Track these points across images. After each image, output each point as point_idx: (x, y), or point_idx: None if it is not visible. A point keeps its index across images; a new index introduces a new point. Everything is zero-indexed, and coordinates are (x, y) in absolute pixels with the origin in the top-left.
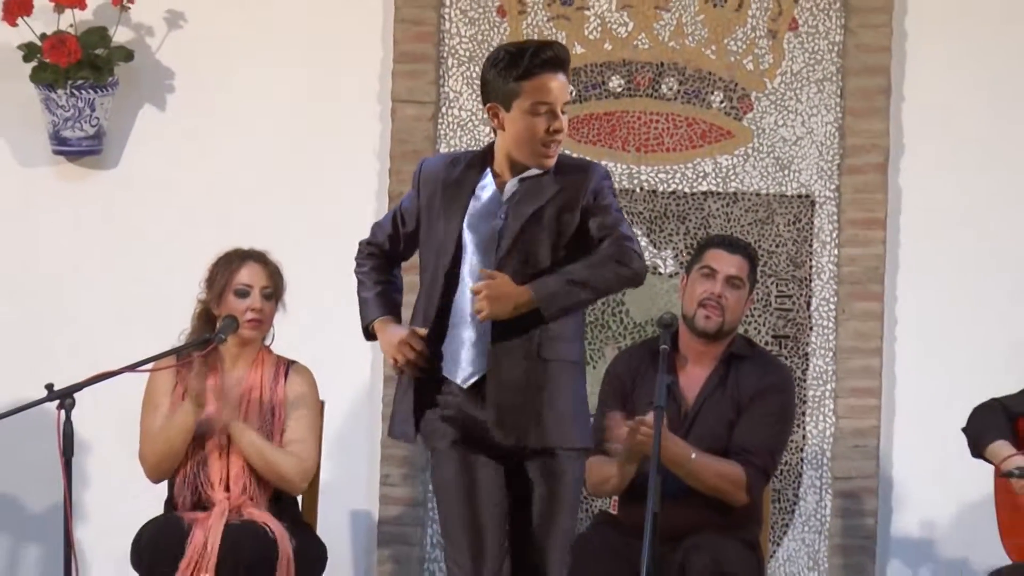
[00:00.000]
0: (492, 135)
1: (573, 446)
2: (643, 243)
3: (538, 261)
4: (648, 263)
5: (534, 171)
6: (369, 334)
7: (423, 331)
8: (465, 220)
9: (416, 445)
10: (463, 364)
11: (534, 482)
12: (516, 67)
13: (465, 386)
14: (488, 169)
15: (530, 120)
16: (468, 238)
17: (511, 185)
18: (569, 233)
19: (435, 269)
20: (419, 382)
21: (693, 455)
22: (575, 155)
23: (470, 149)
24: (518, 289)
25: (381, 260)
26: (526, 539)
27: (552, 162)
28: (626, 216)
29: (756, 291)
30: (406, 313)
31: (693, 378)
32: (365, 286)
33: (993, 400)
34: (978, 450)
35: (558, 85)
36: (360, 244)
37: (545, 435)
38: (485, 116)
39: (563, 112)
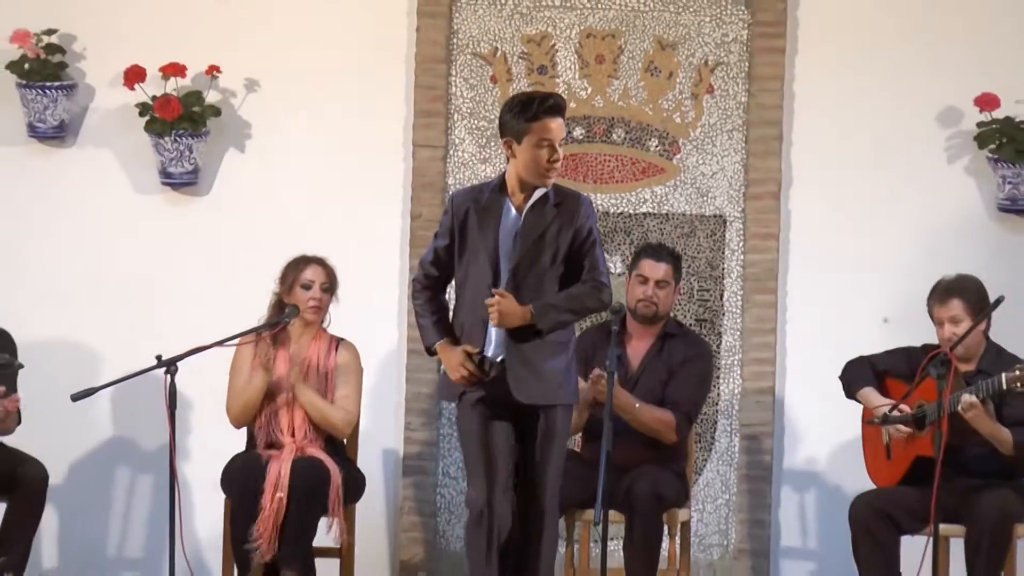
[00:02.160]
0: (489, 169)
1: (565, 402)
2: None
3: (542, 266)
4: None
5: (539, 193)
6: (431, 352)
7: (473, 349)
8: (501, 240)
9: (430, 402)
10: (493, 347)
11: (538, 428)
12: (527, 112)
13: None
14: (506, 195)
15: (536, 152)
16: (501, 251)
17: (524, 208)
18: (564, 247)
19: (478, 278)
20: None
21: (637, 404)
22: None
23: (485, 181)
24: (521, 308)
25: (431, 291)
26: (531, 470)
27: (551, 182)
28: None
29: (682, 285)
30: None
31: (637, 350)
32: (423, 315)
33: (862, 356)
34: (851, 392)
35: (557, 126)
36: (413, 283)
37: (547, 395)
38: (482, 156)
39: (560, 146)
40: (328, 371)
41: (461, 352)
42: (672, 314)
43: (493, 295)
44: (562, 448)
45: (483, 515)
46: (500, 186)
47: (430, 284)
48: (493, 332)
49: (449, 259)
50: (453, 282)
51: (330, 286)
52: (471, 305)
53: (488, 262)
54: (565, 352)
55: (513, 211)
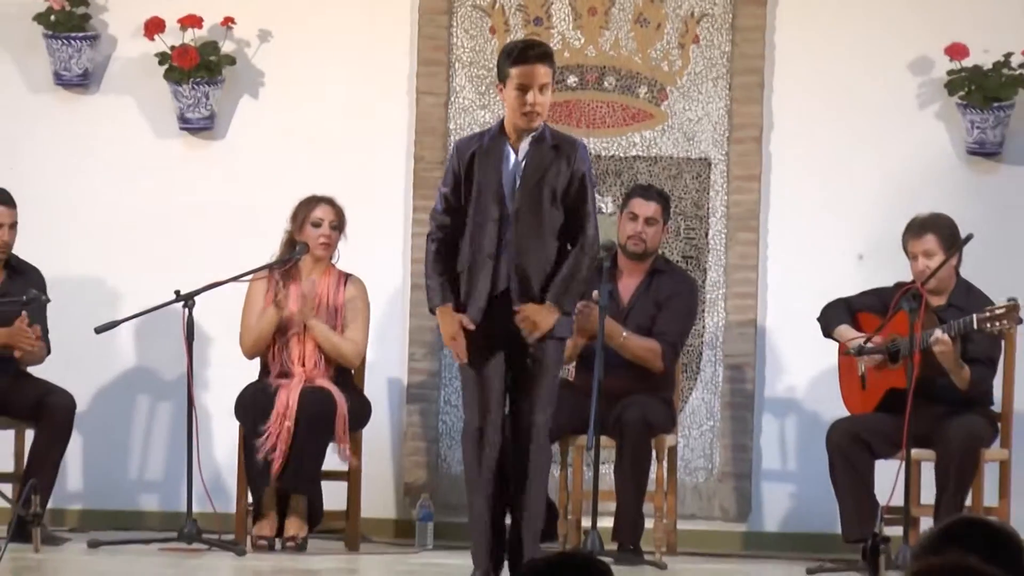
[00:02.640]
0: (488, 115)
1: (558, 336)
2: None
3: (544, 207)
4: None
5: (534, 135)
6: (432, 312)
7: (469, 324)
8: (504, 180)
9: (433, 334)
10: (502, 282)
11: (530, 359)
12: (511, 57)
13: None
14: (506, 138)
15: (516, 95)
16: (507, 192)
17: (523, 150)
18: (561, 189)
19: (484, 215)
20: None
21: (625, 334)
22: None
23: (485, 128)
24: (544, 308)
25: (444, 245)
26: (524, 399)
27: (533, 124)
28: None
29: (670, 224)
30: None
31: (627, 286)
32: (431, 275)
33: (839, 299)
34: (828, 332)
35: (536, 71)
36: (427, 239)
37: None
38: (482, 102)
39: (542, 91)
40: (338, 305)
41: (458, 323)
42: (660, 251)
43: (517, 312)
44: (554, 378)
45: (477, 437)
46: (500, 131)
47: (444, 235)
48: (504, 268)
49: (458, 202)
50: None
51: (339, 224)
52: (477, 243)
53: (494, 201)
54: None
55: (513, 153)
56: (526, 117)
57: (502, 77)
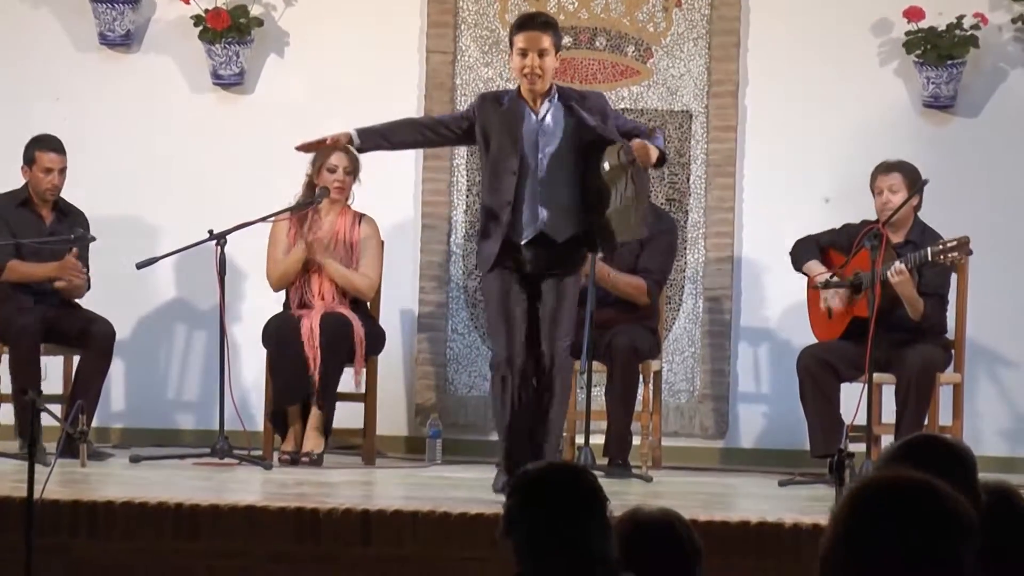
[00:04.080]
0: (491, 72)
1: (576, 272)
2: None
3: (568, 161)
4: None
5: (551, 95)
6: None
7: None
8: (524, 137)
9: (441, 270)
10: (527, 230)
11: (558, 294)
12: (515, 25)
13: (524, 241)
14: (524, 101)
15: (518, 59)
16: (527, 148)
17: (543, 110)
18: (587, 136)
19: (504, 166)
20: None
21: (611, 274)
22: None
23: (506, 88)
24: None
25: (425, 121)
26: (551, 328)
27: (535, 86)
28: None
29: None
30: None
31: None
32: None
33: (808, 236)
34: (798, 266)
35: (531, 37)
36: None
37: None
38: (485, 60)
39: (541, 56)
40: (353, 242)
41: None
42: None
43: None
44: (573, 308)
45: (504, 369)
46: (518, 95)
47: (431, 121)
48: (526, 214)
49: (454, 133)
50: (481, 176)
51: (353, 170)
52: (497, 192)
53: (513, 155)
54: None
55: (532, 114)
56: (526, 79)
57: (510, 44)
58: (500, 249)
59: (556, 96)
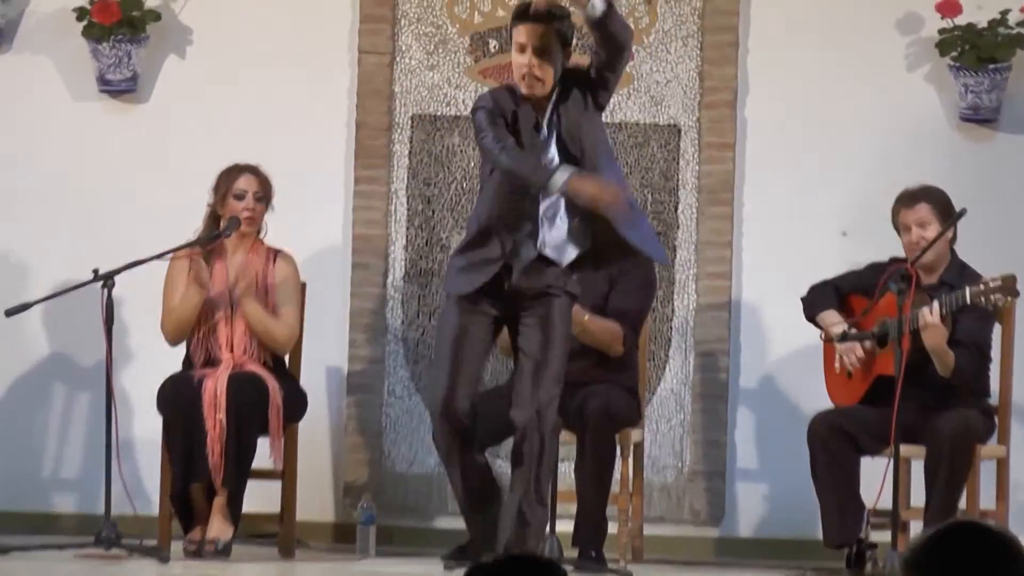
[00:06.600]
0: (437, 76)
1: (570, 290)
2: None
3: (591, 139)
4: None
5: (554, 95)
6: (546, 188)
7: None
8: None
9: (376, 318)
10: (525, 249)
11: (536, 317)
12: (514, 12)
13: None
14: (530, 105)
15: (513, 55)
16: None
17: (547, 117)
18: (592, 106)
19: (510, 184)
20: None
21: (587, 317)
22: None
23: (503, 85)
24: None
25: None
26: (533, 371)
27: (530, 90)
28: None
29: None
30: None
31: None
32: (515, 152)
33: (827, 280)
34: (811, 315)
35: (531, 30)
36: (486, 136)
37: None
38: (430, 63)
39: (541, 56)
40: (267, 285)
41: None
42: None
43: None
44: (564, 342)
45: (442, 412)
46: (524, 97)
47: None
48: (546, 229)
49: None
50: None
51: (264, 195)
52: (498, 208)
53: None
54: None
55: (543, 125)
56: (522, 81)
57: (510, 37)
58: (486, 280)
59: (558, 97)
